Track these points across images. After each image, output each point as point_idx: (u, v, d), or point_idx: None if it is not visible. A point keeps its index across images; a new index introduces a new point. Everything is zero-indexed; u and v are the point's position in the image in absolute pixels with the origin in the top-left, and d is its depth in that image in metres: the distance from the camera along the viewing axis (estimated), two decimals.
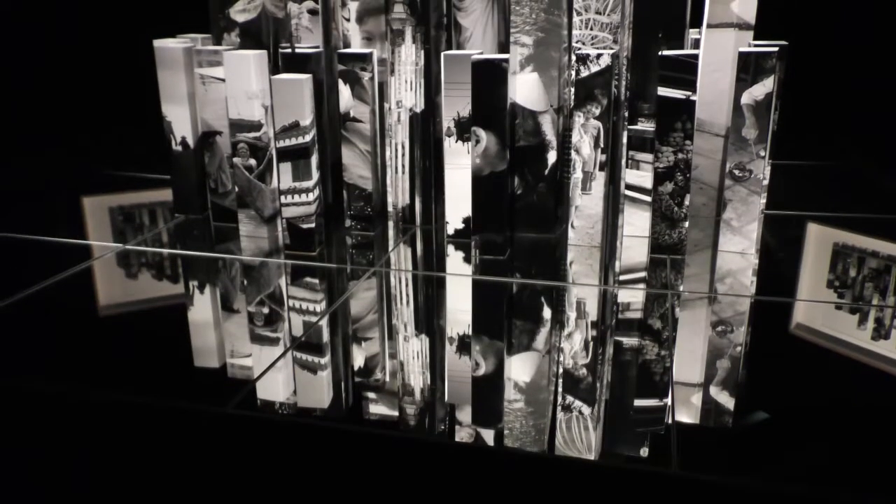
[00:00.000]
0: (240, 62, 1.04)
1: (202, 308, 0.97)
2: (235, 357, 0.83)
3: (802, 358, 0.82)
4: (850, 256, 1.07)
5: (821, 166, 1.51)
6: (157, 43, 1.15)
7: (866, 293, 0.96)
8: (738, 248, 1.02)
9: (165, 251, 1.12)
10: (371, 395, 0.75)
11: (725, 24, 1.07)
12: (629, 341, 0.85)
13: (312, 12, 1.15)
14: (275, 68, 1.13)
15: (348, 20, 1.17)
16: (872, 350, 0.82)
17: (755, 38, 1.08)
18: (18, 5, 1.82)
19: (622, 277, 1.00)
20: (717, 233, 1.05)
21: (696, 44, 1.10)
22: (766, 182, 1.14)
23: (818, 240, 1.14)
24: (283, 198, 1.06)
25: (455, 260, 1.06)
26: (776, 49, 0.96)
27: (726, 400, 0.73)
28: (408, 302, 0.97)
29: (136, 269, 1.06)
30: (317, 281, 1.01)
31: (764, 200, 1.16)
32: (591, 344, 0.84)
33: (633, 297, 0.95)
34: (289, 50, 1.13)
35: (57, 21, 1.84)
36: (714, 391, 0.74)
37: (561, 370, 0.79)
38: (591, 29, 1.06)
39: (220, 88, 1.10)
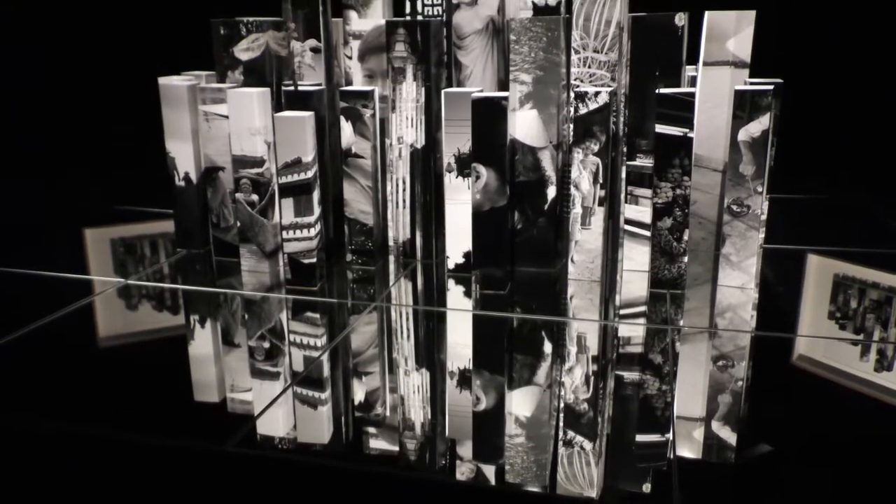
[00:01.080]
0: (243, 100, 1.05)
1: (203, 343, 0.97)
2: (236, 392, 0.83)
3: (804, 392, 0.81)
4: (850, 288, 1.07)
5: (818, 200, 1.52)
6: (162, 80, 1.17)
7: (868, 324, 0.96)
8: (738, 283, 1.03)
9: (167, 286, 1.12)
10: (371, 430, 0.75)
11: (721, 62, 1.09)
12: (630, 376, 0.85)
13: (315, 50, 1.17)
14: (278, 105, 1.15)
15: (350, 58, 1.19)
16: (875, 382, 0.82)
17: (751, 76, 1.10)
18: (27, 40, 1.85)
19: (622, 312, 1.00)
20: (717, 267, 1.05)
21: (693, 81, 1.12)
22: (764, 217, 1.15)
23: (818, 272, 1.15)
24: (284, 233, 1.06)
25: (456, 294, 1.07)
26: (771, 87, 0.97)
27: (728, 435, 0.73)
28: (408, 336, 0.97)
29: (137, 304, 1.07)
30: (318, 316, 1.01)
31: (762, 235, 1.17)
32: (592, 379, 0.84)
33: (633, 332, 0.95)
34: (292, 87, 1.14)
35: (64, 56, 1.87)
36: (716, 426, 0.74)
37: (562, 405, 0.79)
38: (590, 67, 1.08)
39: (223, 125, 1.12)
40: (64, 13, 1.85)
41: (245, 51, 1.16)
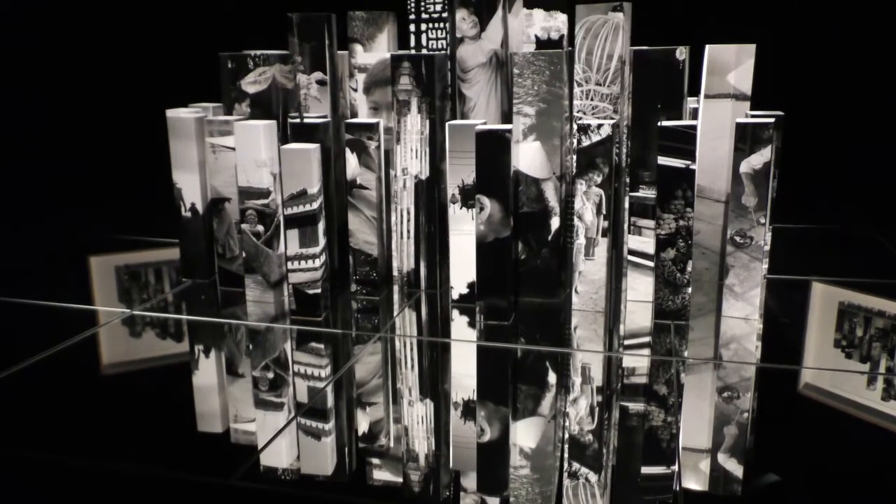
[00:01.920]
0: (250, 132, 1.07)
1: (207, 373, 0.97)
2: (239, 422, 0.83)
3: (810, 423, 0.81)
4: (856, 316, 1.08)
5: (821, 229, 1.53)
6: (170, 113, 1.19)
7: (874, 353, 0.96)
8: (742, 314, 1.03)
9: (172, 316, 1.12)
10: (375, 460, 0.75)
11: (723, 94, 1.10)
12: (635, 407, 0.84)
13: (321, 83, 1.18)
14: (284, 137, 1.16)
15: (356, 90, 1.21)
16: (883, 412, 0.82)
17: (752, 108, 1.11)
18: (36, 70, 1.87)
19: (626, 342, 1.00)
20: (721, 297, 1.05)
21: (695, 113, 1.13)
22: (767, 248, 1.15)
23: (823, 300, 1.15)
24: (289, 263, 1.07)
25: (460, 325, 1.07)
26: (772, 120, 0.98)
27: (734, 467, 0.72)
28: (412, 367, 0.97)
29: (142, 335, 1.07)
30: (322, 346, 1.01)
31: (766, 266, 1.17)
32: (597, 410, 0.84)
33: (637, 363, 0.95)
34: (297, 119, 1.16)
35: (74, 87, 1.89)
36: (721, 458, 0.74)
37: (566, 436, 0.79)
38: (592, 99, 1.09)
39: (229, 157, 1.13)
40: (75, 44, 1.88)
41: (252, 84, 1.18)
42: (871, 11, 1.64)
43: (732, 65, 1.09)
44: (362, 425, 0.82)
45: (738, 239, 1.00)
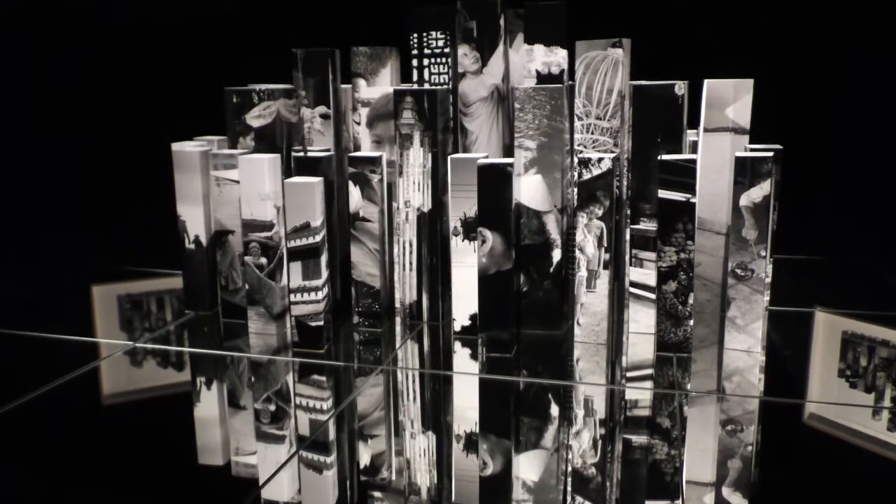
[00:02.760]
0: (254, 165, 1.08)
1: (209, 405, 0.97)
2: (241, 455, 0.82)
3: (816, 455, 0.81)
4: (859, 346, 1.08)
5: (822, 261, 1.53)
6: (176, 146, 1.20)
7: (878, 382, 0.96)
8: (744, 346, 1.03)
9: (174, 349, 1.13)
10: (377, 494, 0.74)
11: (722, 128, 1.11)
12: (638, 440, 0.84)
13: (325, 116, 1.20)
14: (287, 170, 1.17)
15: (359, 124, 1.22)
16: (889, 442, 0.82)
17: (751, 142, 1.12)
18: (42, 100, 1.90)
19: (629, 374, 1.00)
20: (723, 329, 1.05)
21: (694, 146, 1.14)
22: (768, 280, 1.16)
23: (826, 330, 1.15)
24: (292, 296, 1.07)
25: (462, 356, 1.07)
26: (771, 154, 1.00)
27: (738, 501, 0.72)
28: (414, 399, 0.97)
29: (145, 367, 1.07)
30: (324, 378, 1.01)
31: (767, 298, 1.17)
32: (600, 443, 0.84)
33: (640, 395, 0.95)
34: (301, 153, 1.17)
35: (79, 120, 1.92)
36: (726, 492, 0.73)
37: (569, 469, 0.78)
38: (592, 133, 1.10)
39: (234, 189, 1.14)
40: (83, 77, 1.91)
41: (256, 118, 1.19)
42: (867, 45, 1.66)
43: (731, 99, 1.10)
44: (364, 458, 0.82)
45: (739, 271, 1.01)
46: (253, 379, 1.02)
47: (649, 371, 1.01)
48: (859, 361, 1.03)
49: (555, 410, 0.91)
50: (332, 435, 0.86)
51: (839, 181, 1.69)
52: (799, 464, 0.80)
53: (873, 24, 1.65)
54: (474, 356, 1.06)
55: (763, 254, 1.00)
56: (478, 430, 0.87)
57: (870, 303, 1.25)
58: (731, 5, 1.71)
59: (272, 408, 0.93)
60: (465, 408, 0.94)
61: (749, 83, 1.10)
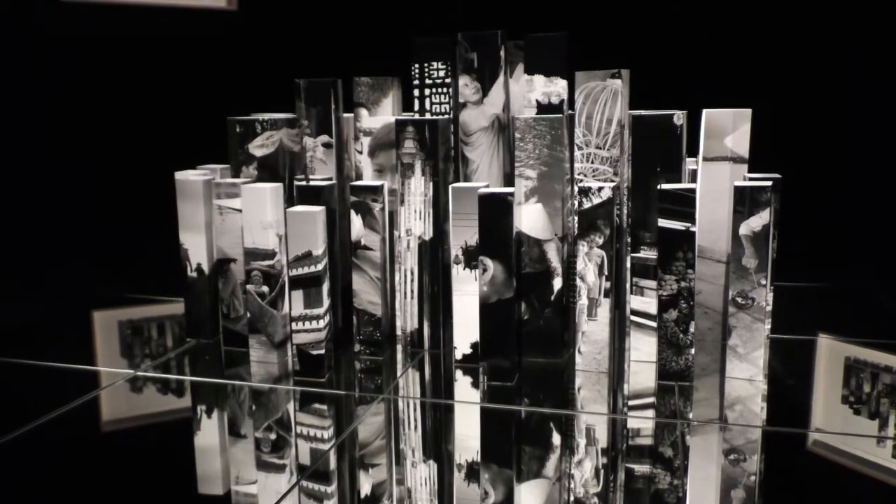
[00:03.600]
0: (256, 194, 1.09)
1: (209, 434, 0.96)
2: (241, 484, 0.82)
3: (820, 482, 0.80)
4: (862, 372, 1.08)
5: (823, 287, 1.53)
6: (179, 175, 1.21)
7: (882, 409, 0.96)
8: (746, 375, 1.03)
9: (175, 377, 1.12)
10: None
11: (720, 157, 1.12)
12: (640, 469, 0.84)
13: (327, 145, 1.21)
14: (290, 199, 1.18)
15: (361, 153, 1.23)
16: (894, 469, 0.82)
17: (750, 171, 1.13)
18: (47, 129, 1.91)
19: (631, 403, 1.00)
20: (724, 357, 1.05)
21: (693, 175, 1.15)
22: (769, 308, 1.16)
23: (828, 357, 1.16)
24: (293, 324, 1.07)
25: (463, 385, 1.07)
26: (770, 183, 1.00)
27: None
28: (416, 428, 0.96)
29: (145, 396, 1.07)
30: (325, 407, 1.01)
31: (768, 326, 1.17)
32: (602, 472, 0.83)
33: (642, 424, 0.95)
34: (303, 181, 1.18)
35: (83, 149, 1.93)
36: None
37: (571, 499, 0.78)
38: (592, 162, 1.11)
39: (236, 218, 1.15)
40: (88, 106, 1.93)
41: (259, 147, 1.20)
42: (865, 72, 1.68)
43: (729, 129, 1.12)
44: (365, 487, 0.82)
45: (739, 300, 1.01)
46: (254, 407, 1.02)
47: (651, 400, 1.00)
48: (862, 388, 1.03)
49: (557, 439, 0.91)
50: (333, 464, 0.86)
51: (839, 208, 1.69)
52: (803, 493, 0.80)
53: (871, 52, 1.67)
54: (475, 384, 1.06)
55: (763, 282, 1.00)
56: (479, 460, 0.87)
57: (871, 330, 1.25)
58: (728, 35, 1.74)
59: (273, 437, 0.93)
60: (467, 437, 0.94)
61: (747, 113, 1.11)
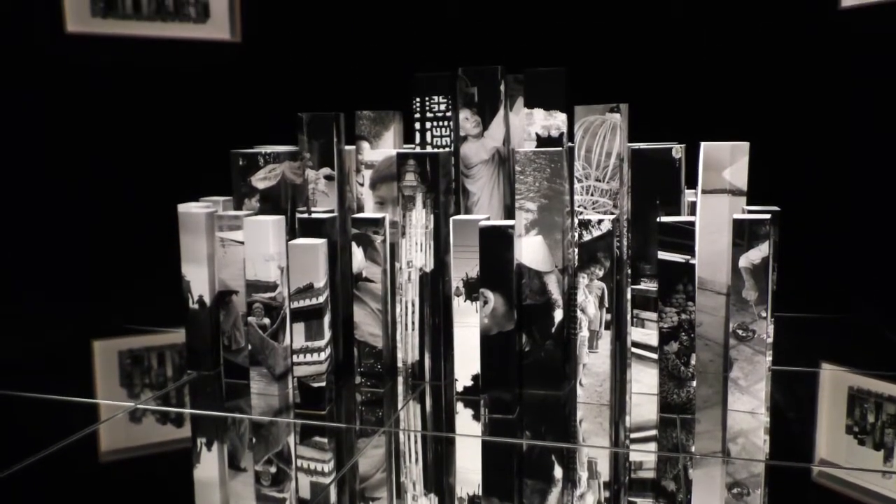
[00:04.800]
0: (259, 227, 1.09)
1: (209, 467, 0.96)
2: None
3: None
4: (866, 402, 1.08)
5: (822, 319, 1.53)
6: (182, 207, 1.22)
7: (887, 439, 0.96)
8: (748, 408, 1.02)
9: (175, 409, 1.12)
10: None
11: (719, 189, 1.13)
12: (643, 503, 0.83)
13: (329, 178, 1.22)
14: (291, 231, 1.19)
15: (362, 185, 1.24)
16: None
17: (749, 203, 1.13)
18: (51, 159, 1.93)
19: (633, 436, 1.00)
20: (726, 389, 1.05)
21: (693, 207, 1.16)
22: (770, 340, 1.16)
23: (831, 387, 1.16)
24: (294, 356, 1.08)
25: (464, 417, 1.06)
26: (769, 216, 1.01)
27: None
28: (417, 461, 0.96)
29: (145, 428, 1.07)
30: (325, 440, 1.00)
31: (770, 358, 1.17)
32: None
33: (645, 458, 0.94)
34: (305, 213, 1.19)
35: (87, 181, 1.95)
36: None
37: None
38: (592, 195, 1.12)
39: (238, 250, 1.15)
40: (91, 138, 1.95)
41: (262, 180, 1.21)
42: (862, 103, 1.70)
43: (727, 161, 1.13)
44: None
45: (740, 332, 1.01)
46: (254, 440, 1.01)
47: (653, 433, 1.00)
48: (867, 418, 1.03)
49: (558, 473, 0.91)
50: (333, 497, 0.86)
51: (837, 239, 1.70)
52: None
53: (869, 84, 1.69)
54: (476, 417, 1.06)
55: (764, 314, 1.01)
56: (481, 493, 0.87)
57: (873, 360, 1.25)
58: (726, 69, 1.76)
59: (273, 470, 0.92)
60: (468, 470, 0.94)
61: (745, 146, 1.13)
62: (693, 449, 0.94)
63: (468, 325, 1.09)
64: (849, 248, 1.69)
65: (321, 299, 1.06)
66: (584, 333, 1.06)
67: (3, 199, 1.86)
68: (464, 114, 1.20)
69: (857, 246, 1.69)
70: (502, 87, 1.19)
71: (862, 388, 1.15)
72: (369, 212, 1.23)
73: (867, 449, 0.94)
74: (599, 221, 1.04)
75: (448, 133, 1.22)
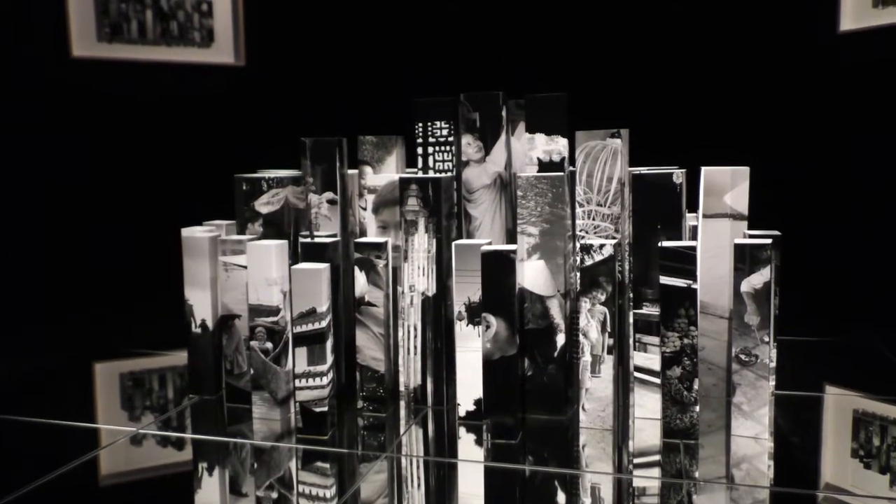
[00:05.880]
0: (262, 251, 1.10)
1: (210, 492, 0.96)
2: None
3: None
4: (871, 425, 1.07)
5: (827, 342, 1.53)
6: (185, 232, 1.23)
7: (893, 463, 0.95)
8: (752, 433, 1.02)
9: (176, 434, 1.12)
10: None
11: (720, 214, 1.14)
12: None
13: (332, 202, 1.23)
14: (294, 255, 1.19)
15: (365, 209, 1.25)
16: None
17: (749, 228, 1.14)
18: (56, 182, 1.94)
19: (636, 461, 0.99)
20: (729, 414, 1.05)
21: (694, 231, 1.16)
22: (773, 365, 1.16)
23: (836, 411, 1.15)
24: (297, 381, 1.07)
25: (467, 442, 1.06)
26: (770, 241, 1.01)
27: None
28: (419, 487, 0.95)
29: (146, 451, 1.06)
30: (327, 465, 1.00)
31: (773, 383, 1.17)
32: None
33: (648, 483, 0.94)
34: (308, 238, 1.19)
35: (90, 205, 1.96)
36: None
37: None
38: (594, 219, 1.13)
39: (241, 275, 1.16)
40: (96, 161, 1.96)
41: (265, 204, 1.22)
42: (862, 127, 1.71)
43: (728, 186, 1.13)
44: None
45: (743, 357, 1.01)
46: (255, 465, 1.01)
47: (656, 458, 1.00)
48: (872, 441, 1.02)
49: (562, 499, 0.90)
50: None
51: (839, 262, 1.70)
52: None
53: (867, 107, 1.70)
54: (479, 442, 1.06)
55: (766, 339, 1.01)
56: None
57: (876, 383, 1.25)
58: (726, 94, 1.77)
59: (275, 495, 0.92)
60: (471, 496, 0.93)
61: (745, 171, 1.13)
62: (697, 475, 0.94)
63: (470, 349, 1.09)
64: (849, 271, 1.70)
65: (324, 324, 1.06)
66: (586, 358, 1.06)
67: (7, 221, 1.87)
68: (466, 139, 1.21)
69: (857, 268, 1.69)
70: (504, 113, 1.20)
71: (867, 412, 1.14)
72: (372, 236, 1.24)
73: (873, 473, 0.94)
74: (601, 246, 1.05)
75: (450, 158, 1.23)
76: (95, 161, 1.96)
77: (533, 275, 1.11)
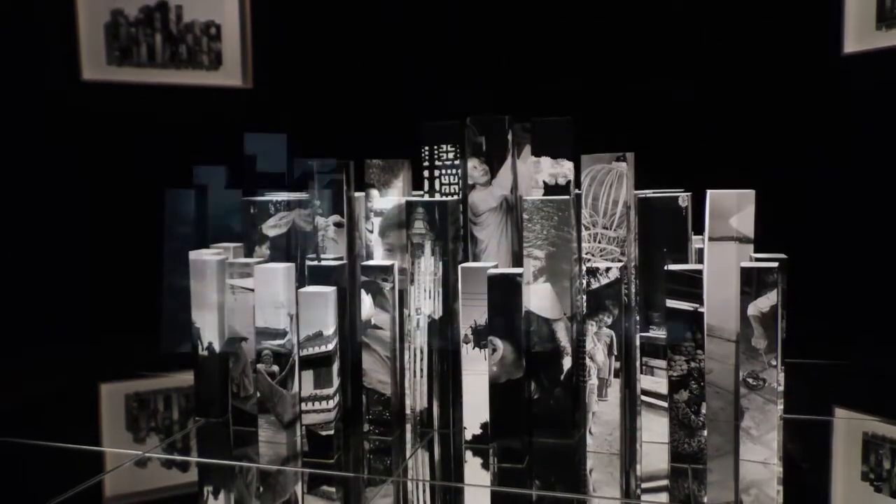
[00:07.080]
0: (269, 274, 1.10)
1: None
2: None
3: None
4: (881, 448, 1.06)
5: (835, 365, 1.52)
6: (193, 255, 1.23)
7: None
8: (760, 458, 1.01)
9: (181, 458, 1.12)
10: None
11: (726, 237, 1.14)
12: None
13: (338, 225, 1.23)
14: (301, 278, 1.20)
15: (371, 231, 1.26)
16: None
17: (756, 251, 1.14)
18: (66, 203, 1.95)
19: (644, 486, 0.99)
20: (737, 437, 1.04)
21: (700, 254, 1.16)
22: (780, 388, 1.15)
23: (845, 434, 1.14)
24: (303, 404, 1.07)
25: (473, 466, 1.05)
26: (776, 264, 1.01)
27: None
28: None
29: (151, 475, 1.06)
30: (333, 489, 1.00)
31: (781, 406, 1.16)
32: None
33: None
34: (315, 261, 1.20)
35: (95, 226, 1.97)
36: None
37: None
38: (599, 242, 1.13)
39: (248, 298, 1.16)
40: (104, 183, 1.97)
41: (272, 227, 1.23)
42: (863, 145, 1.71)
43: (734, 209, 1.13)
44: None
45: (750, 381, 1.01)
46: (261, 489, 1.01)
47: (664, 482, 0.99)
48: (882, 465, 1.01)
49: None
50: None
51: (846, 285, 1.70)
52: None
53: (872, 129, 1.70)
54: (486, 466, 1.05)
55: (774, 363, 1.00)
56: None
57: (885, 406, 1.24)
58: (731, 117, 1.78)
59: None
60: None
61: (751, 194, 1.13)
62: (705, 500, 0.93)
63: (477, 372, 1.09)
64: (856, 293, 1.69)
65: (330, 347, 1.06)
66: (593, 381, 1.06)
67: (12, 243, 1.88)
68: (472, 162, 1.21)
69: (864, 291, 1.69)
70: (510, 136, 1.20)
71: (876, 434, 1.13)
72: (378, 259, 1.24)
73: (884, 496, 0.93)
74: (607, 269, 1.05)
75: (456, 181, 1.23)
76: (103, 182, 1.97)
77: (539, 298, 1.11)
